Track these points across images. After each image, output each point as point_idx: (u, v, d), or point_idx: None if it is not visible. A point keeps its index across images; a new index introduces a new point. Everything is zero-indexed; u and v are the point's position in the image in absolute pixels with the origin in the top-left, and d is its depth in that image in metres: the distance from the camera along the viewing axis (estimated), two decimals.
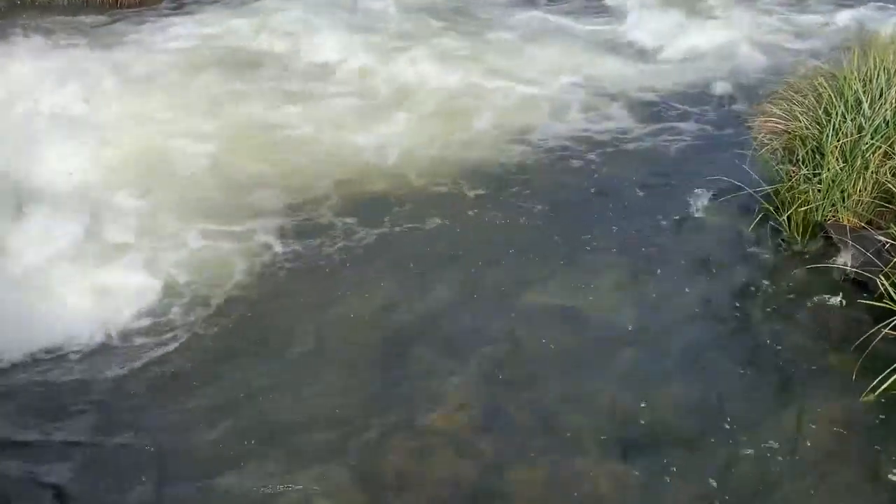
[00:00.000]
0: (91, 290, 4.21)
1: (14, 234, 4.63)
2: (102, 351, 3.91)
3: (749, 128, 5.16)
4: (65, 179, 5.23)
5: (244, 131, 6.01)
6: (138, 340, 3.97)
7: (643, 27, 8.39)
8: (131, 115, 6.14)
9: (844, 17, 8.55)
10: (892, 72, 4.70)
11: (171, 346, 3.93)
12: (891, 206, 4.45)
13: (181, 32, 8.11)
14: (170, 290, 4.30)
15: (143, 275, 4.36)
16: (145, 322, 4.09)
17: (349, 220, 4.97)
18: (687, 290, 4.33)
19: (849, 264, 4.21)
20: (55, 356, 3.86)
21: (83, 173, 5.33)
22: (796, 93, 4.99)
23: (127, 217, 4.88)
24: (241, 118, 6.21)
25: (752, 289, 4.35)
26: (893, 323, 3.60)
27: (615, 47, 7.99)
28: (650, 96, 6.72)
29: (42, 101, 6.24)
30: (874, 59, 4.77)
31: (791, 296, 4.25)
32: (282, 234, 4.83)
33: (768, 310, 4.17)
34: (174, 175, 5.40)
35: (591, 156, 5.74)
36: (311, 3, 8.99)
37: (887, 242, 4.06)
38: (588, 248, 4.69)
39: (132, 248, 4.60)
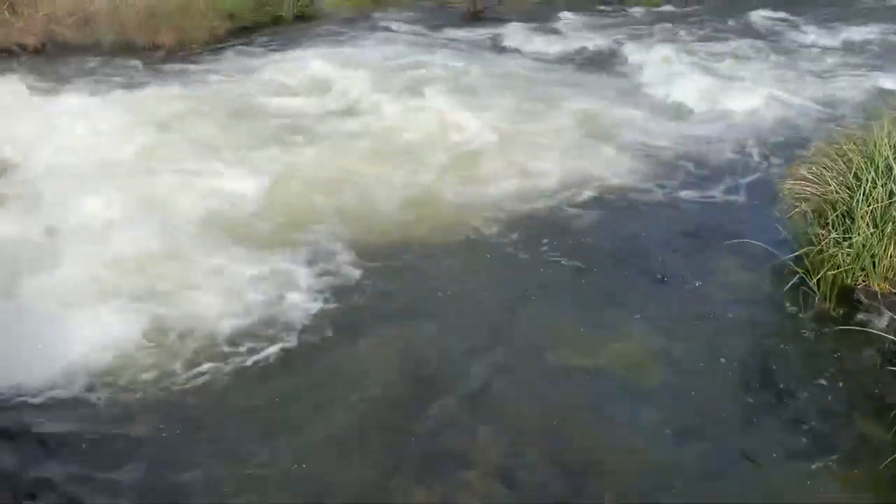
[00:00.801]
0: None
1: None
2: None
3: (779, 190, 5.18)
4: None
5: (303, 174, 6.14)
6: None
7: (672, 87, 8.51)
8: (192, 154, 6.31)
9: (875, 83, 8.61)
10: None
11: (186, 386, 3.98)
12: None
13: (219, 78, 8.38)
14: (191, 331, 4.35)
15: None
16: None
17: (394, 262, 5.07)
18: (716, 350, 4.30)
19: (880, 330, 4.17)
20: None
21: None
22: (826, 157, 5.01)
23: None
24: (299, 162, 6.35)
25: (782, 352, 4.31)
26: None
27: (643, 105, 8.09)
28: (679, 155, 6.78)
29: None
30: None
31: (821, 360, 4.20)
32: (326, 272, 4.91)
33: (798, 374, 4.12)
34: (229, 212, 5.56)
35: (622, 213, 5.79)
36: (327, 53, 9.29)
37: None
38: (617, 306, 4.68)
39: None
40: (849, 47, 10.51)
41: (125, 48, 9.57)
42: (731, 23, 12.11)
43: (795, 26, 11.74)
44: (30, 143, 6.41)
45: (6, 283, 4.53)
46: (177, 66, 8.94)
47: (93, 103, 7.28)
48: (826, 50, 10.39)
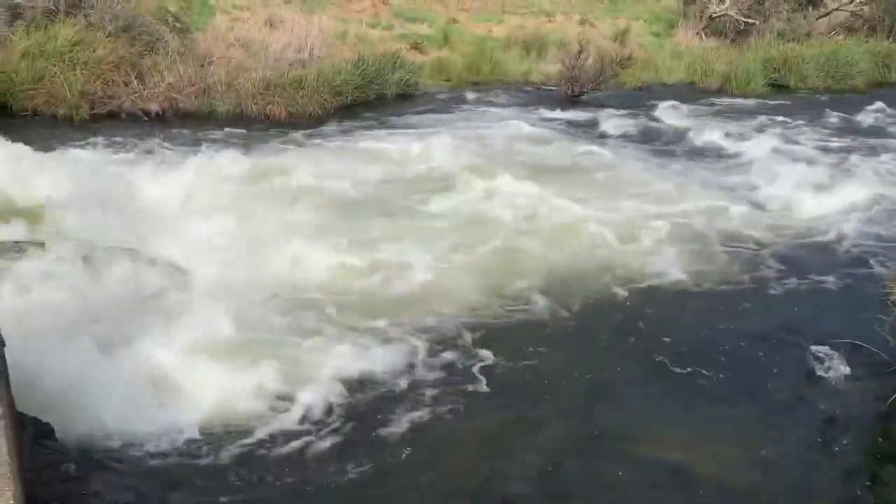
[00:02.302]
0: None
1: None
2: None
3: (888, 293, 4.99)
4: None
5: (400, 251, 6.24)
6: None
7: (774, 180, 8.38)
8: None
9: None
10: None
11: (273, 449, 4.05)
12: None
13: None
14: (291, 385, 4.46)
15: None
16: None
17: (484, 344, 5.05)
18: (811, 457, 4.12)
19: None
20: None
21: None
22: None
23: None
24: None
25: (886, 467, 4.09)
26: None
27: (744, 198, 7.95)
28: (781, 250, 6.64)
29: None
30: None
31: None
32: (436, 350, 4.96)
33: None
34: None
35: (720, 306, 5.67)
36: (429, 131, 9.54)
37: None
38: (710, 401, 4.56)
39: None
40: None
41: (239, 118, 10.10)
42: (836, 116, 11.90)
43: None
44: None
45: None
46: (288, 136, 9.37)
47: (217, 166, 7.72)
48: None
